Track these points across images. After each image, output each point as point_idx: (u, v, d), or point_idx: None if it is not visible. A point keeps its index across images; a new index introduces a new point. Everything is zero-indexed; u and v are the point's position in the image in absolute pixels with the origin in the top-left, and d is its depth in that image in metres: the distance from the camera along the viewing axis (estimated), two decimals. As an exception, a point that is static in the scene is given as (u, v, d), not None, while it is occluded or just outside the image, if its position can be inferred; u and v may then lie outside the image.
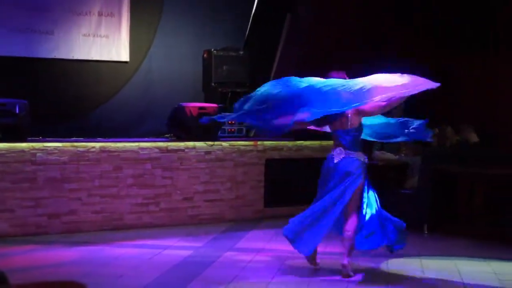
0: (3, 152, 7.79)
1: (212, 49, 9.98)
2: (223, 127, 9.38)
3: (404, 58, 9.43)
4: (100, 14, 9.65)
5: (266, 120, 6.25)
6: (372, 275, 6.48)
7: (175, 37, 10.24)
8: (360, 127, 6.43)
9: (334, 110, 6.15)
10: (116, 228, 8.37)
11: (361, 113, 6.35)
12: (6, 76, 8.96)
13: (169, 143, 8.84)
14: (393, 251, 6.64)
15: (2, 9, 9.07)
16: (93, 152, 8.29)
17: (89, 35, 9.60)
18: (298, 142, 9.62)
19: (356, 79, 6.24)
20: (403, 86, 6.09)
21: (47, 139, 8.32)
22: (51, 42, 9.35)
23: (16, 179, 7.85)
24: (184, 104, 9.01)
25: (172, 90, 10.03)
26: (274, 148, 9.50)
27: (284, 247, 7.42)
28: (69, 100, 9.45)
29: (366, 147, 7.19)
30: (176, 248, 7.46)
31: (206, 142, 8.97)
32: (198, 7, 10.39)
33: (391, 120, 6.88)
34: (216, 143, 9.04)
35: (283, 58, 10.55)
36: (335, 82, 6.24)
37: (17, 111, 7.96)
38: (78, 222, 8.18)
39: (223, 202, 9.11)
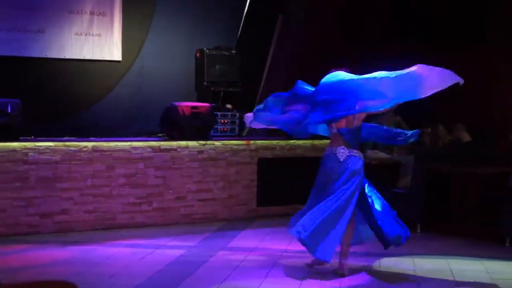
0: (-5, 151, 7.77)
1: (205, 49, 9.98)
2: (215, 126, 9.38)
3: (399, 57, 9.41)
4: (92, 13, 9.60)
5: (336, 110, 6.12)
6: (365, 274, 6.48)
7: (167, 37, 10.21)
8: (361, 125, 6.43)
9: (409, 98, 6.05)
10: (109, 227, 8.35)
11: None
12: (-2, 75, 8.93)
13: (162, 143, 8.82)
14: (387, 247, 6.54)
15: (-7, 8, 9.04)
16: (85, 151, 8.26)
17: (81, 34, 9.54)
18: (291, 141, 9.61)
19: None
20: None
21: (39, 138, 8.29)
22: (43, 41, 9.30)
23: (8, 178, 7.82)
24: (177, 103, 8.99)
25: (165, 89, 10.00)
26: (266, 147, 9.49)
27: (277, 246, 7.43)
28: (61, 100, 9.41)
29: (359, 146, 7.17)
30: (168, 248, 7.45)
31: (199, 142, 8.95)
32: (191, 6, 10.37)
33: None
34: (208, 142, 9.03)
35: (275, 58, 10.56)
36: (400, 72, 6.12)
37: (9, 111, 7.93)
38: (70, 221, 8.16)
39: (216, 202, 9.10)
